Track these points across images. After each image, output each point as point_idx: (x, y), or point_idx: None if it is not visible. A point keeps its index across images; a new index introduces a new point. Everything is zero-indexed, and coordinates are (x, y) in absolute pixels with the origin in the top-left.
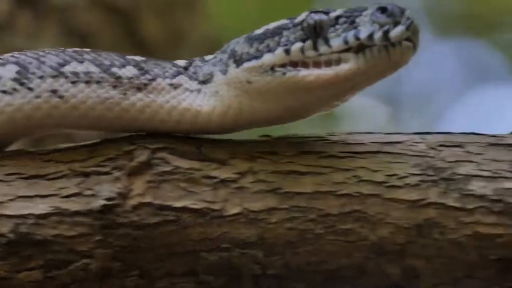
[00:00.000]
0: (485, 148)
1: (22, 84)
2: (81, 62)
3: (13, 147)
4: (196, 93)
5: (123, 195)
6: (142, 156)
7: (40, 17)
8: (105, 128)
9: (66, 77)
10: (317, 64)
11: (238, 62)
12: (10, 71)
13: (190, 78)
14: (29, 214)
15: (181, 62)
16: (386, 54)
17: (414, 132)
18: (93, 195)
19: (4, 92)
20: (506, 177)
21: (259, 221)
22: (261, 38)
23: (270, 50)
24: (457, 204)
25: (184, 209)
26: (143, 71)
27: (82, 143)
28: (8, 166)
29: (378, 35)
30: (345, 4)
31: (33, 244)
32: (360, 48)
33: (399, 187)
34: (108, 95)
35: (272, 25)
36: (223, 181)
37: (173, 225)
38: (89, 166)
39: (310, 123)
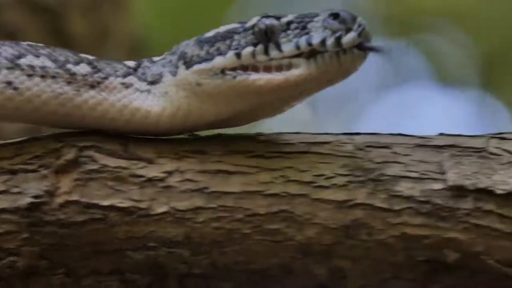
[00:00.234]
0: (412, 149)
1: None
2: (37, 56)
3: None
4: (146, 94)
5: (50, 193)
6: (69, 154)
7: None
8: (56, 123)
9: (22, 69)
10: (267, 69)
11: (188, 64)
12: None
13: (140, 78)
14: None
15: (130, 63)
16: (337, 60)
17: (342, 132)
18: (20, 193)
19: None
20: (433, 178)
21: (186, 220)
22: (212, 41)
23: (221, 53)
24: (385, 205)
25: (111, 207)
26: (96, 69)
27: (9, 141)
28: None
29: (330, 41)
30: (265, 6)
31: None
32: (311, 54)
33: (326, 187)
34: (62, 91)
35: (223, 28)
36: (150, 180)
37: (100, 223)
38: (16, 163)
39: None
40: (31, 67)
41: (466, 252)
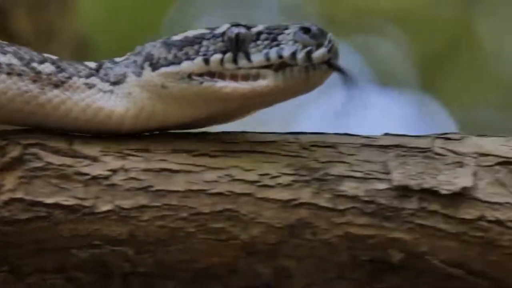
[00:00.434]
0: (357, 149)
1: None
2: (4, 53)
3: None
4: (109, 94)
5: None
6: (14, 151)
7: None
8: (20, 121)
9: None
10: (234, 77)
11: (155, 66)
12: None
13: (102, 79)
14: None
15: (91, 64)
16: (306, 75)
17: (287, 132)
18: None
19: None
20: (378, 178)
21: (131, 219)
22: (180, 45)
23: (189, 58)
24: (329, 205)
25: (55, 205)
26: (60, 69)
27: None
28: None
29: (301, 55)
30: (206, 7)
31: None
32: (280, 66)
33: (271, 186)
34: (27, 88)
35: (191, 33)
36: (95, 178)
37: (44, 221)
38: None
39: None
40: None
41: (410, 252)
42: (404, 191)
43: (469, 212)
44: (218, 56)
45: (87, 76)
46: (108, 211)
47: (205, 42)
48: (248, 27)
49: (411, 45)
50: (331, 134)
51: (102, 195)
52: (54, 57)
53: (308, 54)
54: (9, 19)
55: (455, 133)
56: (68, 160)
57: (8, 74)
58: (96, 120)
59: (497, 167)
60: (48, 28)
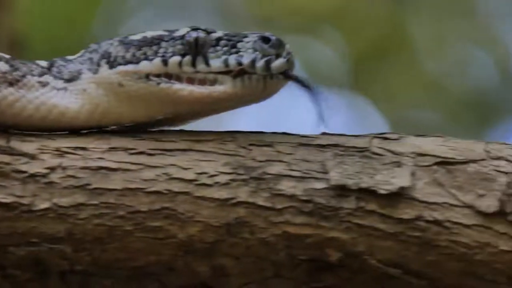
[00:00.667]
0: (295, 148)
1: None
2: None
3: None
4: (63, 91)
5: None
6: None
7: None
8: None
9: None
10: (190, 80)
11: (112, 64)
12: None
13: (55, 77)
14: None
15: (43, 63)
16: (263, 84)
17: (225, 130)
18: None
19: None
20: (316, 178)
21: (68, 217)
22: (139, 45)
23: (147, 58)
24: (267, 204)
25: None
26: (13, 68)
27: None
28: None
29: (260, 64)
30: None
31: None
32: (238, 73)
33: (209, 185)
34: None
35: (150, 33)
36: (33, 176)
37: None
38: None
39: None
40: None
41: (348, 252)
42: (341, 191)
43: (406, 212)
44: (177, 58)
45: (40, 75)
46: (46, 209)
47: (163, 44)
48: (208, 32)
49: (343, 45)
50: (269, 133)
51: (40, 193)
52: (7, 56)
53: (267, 63)
54: None
55: (392, 133)
56: (5, 158)
57: None
58: (51, 117)
59: (435, 167)
60: None
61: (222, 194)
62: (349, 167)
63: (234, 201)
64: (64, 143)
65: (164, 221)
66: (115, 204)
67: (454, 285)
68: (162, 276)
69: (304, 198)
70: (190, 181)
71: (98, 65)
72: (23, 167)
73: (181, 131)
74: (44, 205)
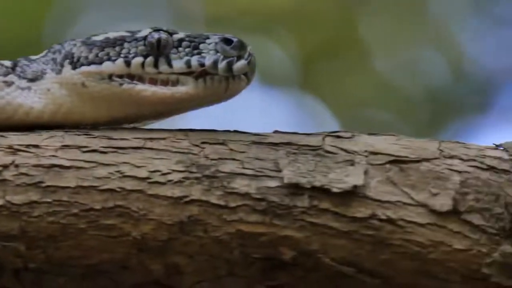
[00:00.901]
0: (248, 146)
1: None
2: None
3: None
4: (27, 91)
5: None
6: None
7: None
8: None
9: None
10: (153, 81)
11: (75, 64)
12: None
13: (19, 77)
14: None
15: (6, 62)
16: (225, 85)
17: (178, 128)
18: None
19: None
20: (269, 176)
21: (21, 214)
22: (101, 46)
23: (110, 59)
24: (220, 202)
25: None
26: None
27: None
28: None
29: (222, 65)
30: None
31: None
32: (200, 74)
33: (162, 183)
34: None
35: (113, 34)
36: None
37: None
38: None
39: None
40: None
41: (301, 250)
42: (295, 189)
43: (360, 211)
44: (139, 59)
45: (5, 74)
46: None
47: (126, 45)
48: (170, 33)
49: (294, 45)
50: (221, 131)
51: None
52: None
53: (229, 64)
54: None
55: (345, 131)
56: None
57: None
58: (16, 117)
59: (388, 166)
60: None
61: (175, 192)
62: (302, 165)
63: (187, 199)
64: (16, 140)
65: (117, 219)
66: (68, 202)
67: (408, 283)
68: (115, 274)
69: (258, 196)
70: (143, 179)
71: (61, 65)
72: None
73: (134, 129)
74: None
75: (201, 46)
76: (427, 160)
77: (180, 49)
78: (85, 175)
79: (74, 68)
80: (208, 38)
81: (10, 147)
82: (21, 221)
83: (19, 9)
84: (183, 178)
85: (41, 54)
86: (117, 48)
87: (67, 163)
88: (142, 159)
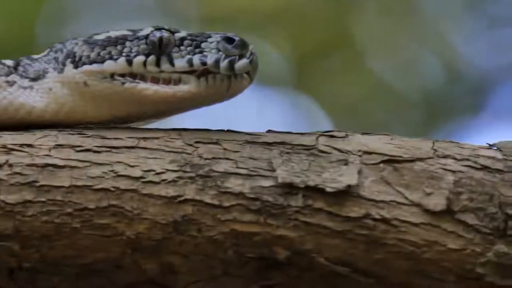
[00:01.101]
0: (242, 145)
1: None
2: None
3: None
4: (29, 90)
5: None
6: None
7: None
8: None
9: None
10: (155, 80)
11: (77, 63)
12: None
13: (21, 76)
14: None
15: (9, 62)
16: (227, 83)
17: (171, 128)
18: None
19: None
20: (263, 175)
21: (15, 214)
22: (103, 45)
23: (112, 57)
24: (214, 202)
25: None
26: None
27: None
28: None
29: (224, 64)
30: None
31: None
32: (202, 73)
33: (156, 183)
34: None
35: (114, 33)
36: None
37: None
38: None
39: None
40: None
41: (296, 250)
42: (289, 189)
43: (354, 210)
44: (141, 58)
45: (7, 74)
46: None
47: (128, 43)
48: (172, 32)
49: (288, 44)
50: (215, 130)
51: None
52: None
53: (231, 63)
54: None
55: (339, 131)
56: None
57: None
58: (18, 116)
59: (382, 165)
60: None
61: (169, 191)
62: (296, 165)
63: (181, 198)
64: (10, 140)
65: (111, 219)
66: (62, 201)
67: (402, 283)
68: (110, 274)
69: (252, 196)
70: (137, 178)
71: (63, 64)
72: None
73: (128, 128)
74: None
75: (203, 44)
76: (421, 159)
77: (182, 47)
78: (79, 175)
79: (76, 67)
80: (210, 36)
81: (3, 146)
82: (15, 221)
83: (11, 9)
84: (177, 177)
85: (43, 53)
86: (119, 47)
87: (61, 163)
88: (136, 158)
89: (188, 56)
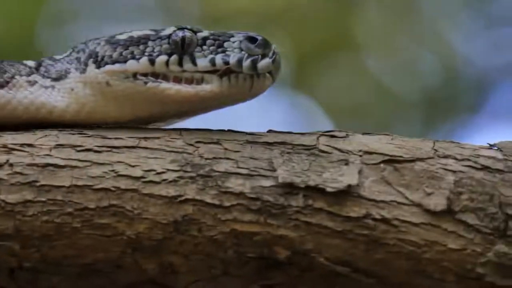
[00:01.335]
0: (242, 145)
1: None
2: None
3: None
4: (51, 90)
5: None
6: None
7: None
8: None
9: None
10: (177, 79)
11: (99, 63)
12: None
13: (43, 76)
14: None
15: (30, 63)
16: (250, 83)
17: (172, 127)
18: None
19: None
20: (263, 175)
21: (16, 213)
22: (126, 44)
23: (134, 57)
24: (215, 201)
25: None
26: (2, 71)
27: None
28: None
29: (246, 63)
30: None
31: None
32: (225, 72)
33: (156, 182)
34: None
35: (136, 33)
36: None
37: None
38: None
39: None
40: None
41: (296, 250)
42: (289, 188)
43: (354, 210)
44: (163, 57)
45: (28, 74)
46: None
47: (150, 43)
48: (194, 31)
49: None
50: (216, 130)
51: None
52: None
53: (254, 62)
54: None
55: (340, 131)
56: None
57: None
58: (39, 116)
59: (382, 165)
60: None
61: (170, 191)
62: (297, 165)
63: (181, 198)
64: (11, 139)
65: (112, 218)
66: (62, 201)
67: (402, 283)
68: (110, 273)
69: (252, 195)
70: (138, 178)
71: (86, 64)
72: None
73: (129, 128)
74: None
75: (226, 44)
76: (421, 159)
77: (205, 47)
78: (79, 174)
79: (98, 67)
80: (232, 36)
81: (4, 146)
82: (16, 220)
83: (11, 9)
84: (177, 177)
85: (65, 54)
86: (141, 47)
87: (61, 162)
88: (136, 158)
89: (211, 56)
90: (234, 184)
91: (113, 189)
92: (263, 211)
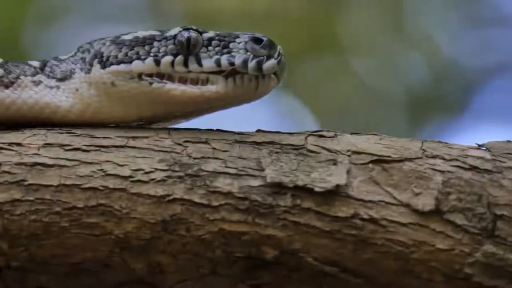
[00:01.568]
0: (231, 145)
1: None
2: None
3: None
4: (55, 90)
5: None
6: None
7: None
8: None
9: None
10: (182, 80)
11: (105, 64)
12: None
13: (48, 76)
14: None
15: (35, 63)
16: (255, 84)
17: (160, 127)
18: None
19: None
20: (251, 175)
21: (4, 213)
22: (131, 45)
23: (139, 58)
24: (203, 201)
25: None
26: (8, 71)
27: None
28: None
29: (252, 64)
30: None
31: None
32: (230, 73)
33: (145, 182)
34: None
35: (142, 33)
36: None
37: None
38: None
39: None
40: None
41: (284, 250)
42: (277, 188)
43: (342, 210)
44: (169, 58)
45: (33, 75)
46: None
47: (156, 44)
48: (200, 32)
49: None
50: (204, 130)
51: None
52: (1, 60)
53: (259, 63)
54: None
55: (328, 131)
56: None
57: None
58: (44, 115)
59: (371, 165)
60: None
61: (158, 191)
62: (285, 164)
63: (170, 198)
64: None
65: (100, 218)
66: (51, 200)
67: (391, 283)
68: (98, 273)
69: (240, 195)
70: (126, 177)
71: (91, 65)
72: None
73: (117, 127)
74: None
75: (231, 45)
76: (409, 159)
77: (210, 48)
78: (67, 174)
79: (103, 67)
80: (238, 37)
81: None
82: (4, 219)
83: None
84: (166, 176)
85: (70, 54)
86: (147, 47)
87: (49, 162)
88: (125, 157)
89: (216, 56)
90: (223, 183)
91: (101, 188)
92: (251, 210)
